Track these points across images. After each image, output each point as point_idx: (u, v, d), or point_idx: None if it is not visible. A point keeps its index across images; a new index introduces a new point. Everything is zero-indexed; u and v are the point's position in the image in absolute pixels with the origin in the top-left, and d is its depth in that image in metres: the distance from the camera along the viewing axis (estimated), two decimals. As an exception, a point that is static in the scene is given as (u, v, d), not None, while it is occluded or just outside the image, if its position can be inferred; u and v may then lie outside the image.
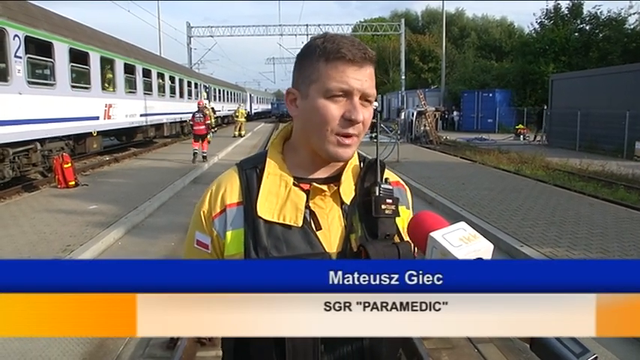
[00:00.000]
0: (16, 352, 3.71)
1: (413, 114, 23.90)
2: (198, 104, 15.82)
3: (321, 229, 1.09)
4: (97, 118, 13.80)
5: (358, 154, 1.21)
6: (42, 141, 10.71)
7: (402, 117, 24.52)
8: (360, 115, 1.05)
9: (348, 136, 1.07)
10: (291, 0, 79.58)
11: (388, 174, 1.22)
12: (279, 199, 1.09)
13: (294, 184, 1.11)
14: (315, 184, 1.11)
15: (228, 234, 1.09)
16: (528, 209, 7.94)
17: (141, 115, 17.76)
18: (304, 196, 1.09)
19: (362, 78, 1.05)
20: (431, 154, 17.65)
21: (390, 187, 1.14)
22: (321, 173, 1.14)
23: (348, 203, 1.11)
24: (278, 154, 1.16)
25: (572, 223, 6.96)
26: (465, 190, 9.84)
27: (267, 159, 1.15)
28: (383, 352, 1.11)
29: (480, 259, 0.89)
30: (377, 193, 1.10)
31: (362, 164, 1.19)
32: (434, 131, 23.60)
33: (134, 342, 3.87)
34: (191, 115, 15.51)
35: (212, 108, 20.11)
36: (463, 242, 0.89)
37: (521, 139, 24.86)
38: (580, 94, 20.42)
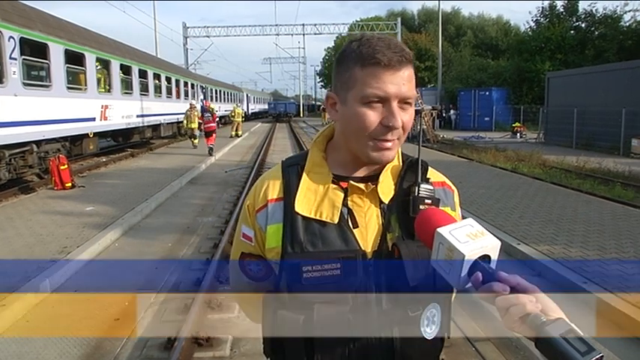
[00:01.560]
0: (13, 354, 3.69)
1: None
2: (205, 105, 19.75)
3: (357, 226, 1.09)
4: (94, 119, 13.77)
5: (402, 154, 1.21)
6: (38, 143, 10.68)
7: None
8: (399, 121, 1.04)
9: (387, 141, 1.06)
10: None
11: (432, 174, 1.20)
12: (317, 195, 1.11)
13: (332, 182, 1.12)
14: (352, 182, 1.11)
15: (269, 228, 1.13)
16: (525, 207, 7.95)
17: (137, 116, 17.72)
18: (342, 193, 1.11)
19: (399, 82, 1.04)
20: (428, 153, 17.64)
21: (431, 187, 1.13)
22: (361, 172, 1.15)
23: (387, 202, 1.11)
24: (319, 153, 1.18)
25: (569, 221, 6.97)
26: (461, 188, 9.82)
27: (309, 157, 1.17)
28: (416, 356, 1.11)
29: (487, 256, 0.89)
30: (416, 193, 1.10)
31: (404, 164, 1.18)
32: (431, 130, 23.64)
33: (131, 343, 3.86)
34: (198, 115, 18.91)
35: (195, 107, 19.56)
36: (470, 238, 0.88)
37: (518, 137, 24.90)
38: (576, 92, 20.48)
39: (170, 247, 6.47)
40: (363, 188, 1.11)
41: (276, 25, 44.34)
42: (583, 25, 34.81)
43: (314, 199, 1.10)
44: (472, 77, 38.30)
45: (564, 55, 33.00)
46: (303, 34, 47.17)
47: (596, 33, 33.69)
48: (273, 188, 1.15)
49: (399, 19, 44.54)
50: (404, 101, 1.06)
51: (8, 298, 4.38)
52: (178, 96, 24.57)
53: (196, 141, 19.14)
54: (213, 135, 17.34)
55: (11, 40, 9.48)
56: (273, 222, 1.12)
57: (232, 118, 26.86)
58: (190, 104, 19.55)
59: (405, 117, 1.06)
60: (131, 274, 5.44)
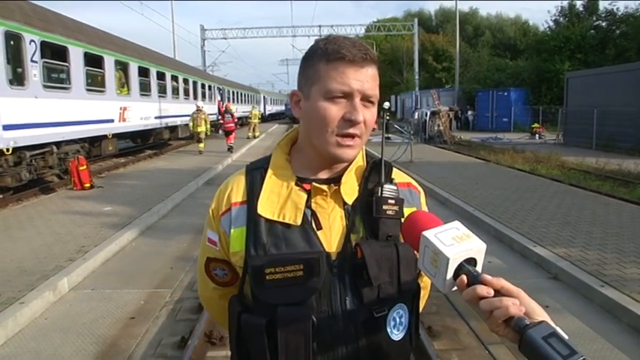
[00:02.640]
0: (32, 350, 3.77)
1: (426, 114, 23.77)
2: (226, 107, 21.27)
3: (321, 228, 1.09)
4: (112, 120, 13.97)
5: (367, 154, 1.20)
6: (58, 144, 10.88)
7: (416, 117, 24.42)
8: (361, 116, 1.04)
9: (348, 136, 1.06)
10: (304, 0, 79.47)
11: (397, 175, 1.20)
12: (280, 198, 1.10)
13: (296, 184, 1.11)
14: (315, 183, 1.11)
15: (233, 232, 1.12)
16: (542, 209, 7.86)
17: (155, 118, 17.92)
18: (305, 195, 1.10)
19: (363, 79, 1.05)
20: (444, 154, 17.53)
21: (395, 188, 1.13)
22: (325, 174, 1.15)
23: (350, 203, 1.11)
24: (282, 155, 1.18)
25: (587, 223, 6.87)
26: (478, 189, 9.77)
27: (272, 160, 1.17)
28: (383, 357, 1.10)
29: (472, 259, 0.89)
30: (379, 194, 1.10)
31: (368, 165, 1.18)
32: (448, 131, 23.45)
33: (146, 341, 3.92)
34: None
35: (202, 109, 18.50)
36: (455, 241, 0.88)
37: (537, 138, 24.58)
38: (596, 92, 20.13)
39: (186, 247, 6.53)
40: (326, 190, 1.11)
41: (293, 26, 44.32)
42: (604, 24, 34.26)
43: (277, 201, 1.10)
44: (490, 78, 37.91)
45: (584, 55, 32.50)
46: (320, 35, 47.16)
47: (617, 32, 33.12)
48: (236, 192, 1.15)
49: (416, 20, 44.21)
50: (367, 99, 1.07)
51: (28, 295, 4.48)
52: (195, 97, 24.76)
53: (202, 145, 18.26)
54: (233, 134, 19.12)
55: (32, 43, 9.67)
56: (237, 226, 1.12)
57: (249, 120, 27.02)
58: (197, 107, 18.63)
59: (367, 115, 1.07)
60: (147, 273, 5.50)
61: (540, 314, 0.82)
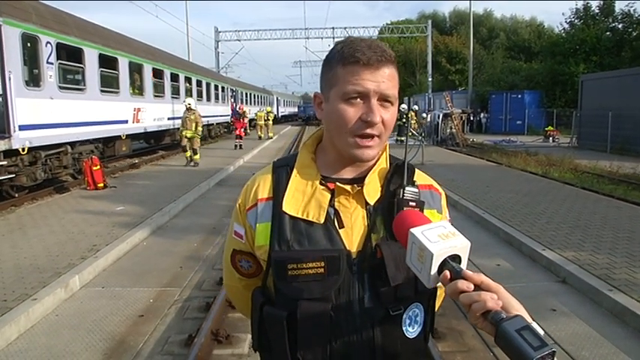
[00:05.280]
0: (43, 346, 3.85)
1: (439, 116, 23.68)
2: (240, 108, 22.79)
3: (343, 227, 1.12)
4: (126, 121, 14.14)
5: (390, 156, 1.23)
6: (72, 144, 11.06)
7: (428, 119, 24.34)
8: (377, 117, 1.07)
9: (366, 137, 1.09)
10: (318, 0, 79.39)
11: (419, 176, 1.23)
12: (304, 196, 1.14)
13: (320, 183, 1.15)
14: (339, 183, 1.14)
15: (258, 226, 1.16)
16: (553, 212, 7.80)
17: (168, 119, 18.09)
18: (329, 194, 1.14)
19: (378, 80, 1.07)
20: (456, 157, 17.46)
21: (416, 190, 1.16)
22: (348, 173, 1.18)
23: (372, 204, 1.15)
24: (308, 154, 1.22)
25: (598, 227, 6.81)
26: (489, 192, 9.73)
27: (298, 159, 1.21)
28: (398, 355, 1.13)
29: (457, 256, 0.92)
30: (400, 196, 1.13)
31: (391, 167, 1.21)
32: (460, 133, 23.34)
33: (153, 339, 3.98)
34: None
35: (194, 109, 14.77)
36: (441, 239, 0.92)
37: (551, 141, 24.37)
38: (611, 95, 19.91)
39: (196, 246, 6.60)
40: (350, 190, 1.14)
41: (306, 28, 44.48)
42: (620, 26, 33.81)
43: (302, 199, 1.14)
44: (504, 80, 37.65)
45: (600, 58, 32.10)
46: (333, 37, 47.13)
47: (634, 34, 32.66)
48: (263, 188, 1.19)
49: (430, 22, 44.05)
50: (384, 99, 1.09)
51: (40, 292, 4.57)
52: (209, 99, 24.97)
53: (193, 155, 14.57)
54: (243, 134, 20.64)
55: (48, 45, 9.84)
56: (262, 220, 1.16)
57: (256, 122, 27.28)
58: (187, 106, 14.68)
59: (385, 115, 1.10)
60: (157, 272, 5.58)
61: (517, 309, 0.86)
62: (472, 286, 0.87)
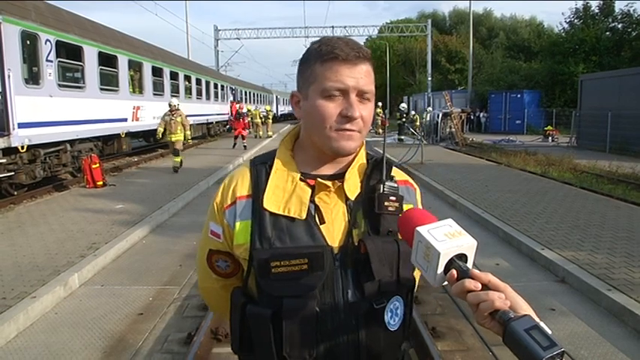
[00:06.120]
0: (42, 344, 3.85)
1: (438, 115, 23.67)
2: (240, 108, 22.08)
3: (324, 222, 1.12)
4: (126, 119, 14.13)
5: (367, 153, 1.25)
6: (72, 142, 11.05)
7: (428, 118, 24.34)
8: (357, 112, 1.08)
9: (347, 131, 1.10)
10: (318, 0, 79.33)
11: (396, 173, 1.24)
12: (285, 193, 1.14)
13: (300, 180, 1.15)
14: (319, 179, 1.15)
15: (237, 224, 1.15)
16: (552, 212, 7.81)
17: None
18: (309, 190, 1.14)
19: (357, 76, 1.08)
20: (455, 156, 17.46)
21: (395, 185, 1.17)
22: (328, 170, 1.18)
23: (353, 199, 1.15)
24: (287, 151, 1.21)
25: (597, 227, 6.82)
26: (488, 192, 9.73)
27: (277, 155, 1.21)
28: (380, 347, 1.14)
29: (463, 255, 0.92)
30: (381, 190, 1.14)
31: (369, 163, 1.22)
32: (460, 133, 23.33)
33: (153, 337, 3.98)
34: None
35: (178, 109, 12.77)
36: (447, 237, 0.91)
37: (550, 140, 24.38)
38: (610, 95, 19.91)
39: (195, 244, 6.59)
40: (330, 185, 1.15)
41: (306, 27, 44.41)
42: (619, 26, 33.84)
43: (282, 195, 1.13)
44: (503, 79, 37.65)
45: (599, 57, 32.14)
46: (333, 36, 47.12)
47: (634, 34, 32.68)
48: (241, 186, 1.18)
49: (429, 21, 44.05)
50: (362, 95, 1.10)
51: (39, 290, 4.57)
52: (208, 97, 24.96)
53: (178, 159, 12.82)
54: (244, 133, 19.74)
55: (47, 43, 9.83)
56: (242, 219, 1.15)
57: (253, 120, 27.27)
58: (170, 105, 12.74)
59: (364, 111, 1.11)
60: (156, 270, 5.58)
61: (525, 309, 0.85)
62: (479, 286, 0.87)
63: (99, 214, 7.80)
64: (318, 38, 1.17)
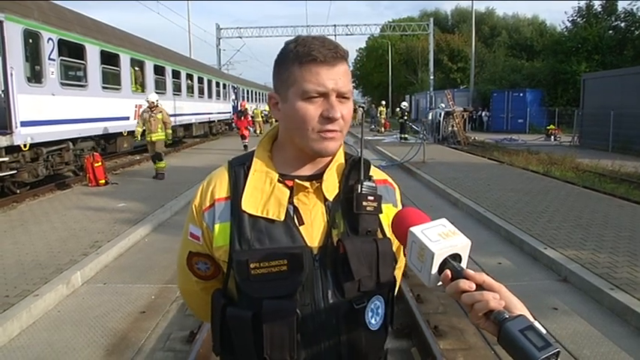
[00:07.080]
0: (44, 342, 3.86)
1: (440, 114, 23.63)
2: (241, 105, 21.15)
3: (303, 223, 1.12)
4: (128, 118, 14.14)
5: (346, 153, 1.25)
6: (74, 140, 11.07)
7: (430, 117, 24.30)
8: (338, 113, 1.08)
9: (329, 132, 1.10)
10: (320, 0, 79.31)
11: (374, 172, 1.24)
12: (263, 194, 1.13)
13: (278, 181, 1.15)
14: (297, 180, 1.14)
15: (216, 227, 1.14)
16: (555, 211, 7.80)
17: (170, 116, 18.04)
18: (288, 192, 1.13)
19: (335, 77, 1.08)
20: (458, 155, 17.43)
21: (374, 185, 1.17)
22: (306, 170, 1.18)
23: (331, 200, 1.15)
24: (265, 152, 1.21)
25: (600, 226, 6.81)
26: (490, 191, 9.72)
27: (254, 157, 1.20)
28: (362, 347, 1.14)
29: (457, 255, 0.92)
30: (359, 190, 1.14)
31: (347, 163, 1.22)
32: (462, 132, 23.28)
33: (155, 335, 3.99)
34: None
35: (158, 105, 11.66)
36: (441, 237, 0.91)
37: (552, 139, 24.34)
38: (613, 94, 19.86)
39: (197, 243, 6.59)
40: (308, 186, 1.14)
41: (308, 26, 44.37)
42: (622, 25, 33.76)
43: (260, 197, 1.13)
44: (506, 78, 37.57)
45: (602, 56, 32.07)
46: (335, 35, 47.08)
47: (637, 33, 32.59)
48: (220, 187, 1.18)
49: (432, 20, 44.02)
50: (342, 96, 1.10)
51: (42, 288, 4.58)
52: (210, 96, 24.98)
53: (163, 165, 11.58)
54: (246, 133, 19.45)
55: (50, 41, 9.84)
56: (221, 221, 1.14)
57: (254, 119, 27.30)
58: (149, 102, 11.50)
59: (344, 110, 1.11)
60: (158, 268, 5.59)
61: (520, 308, 0.85)
62: (474, 286, 0.86)
63: (101, 213, 7.81)
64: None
